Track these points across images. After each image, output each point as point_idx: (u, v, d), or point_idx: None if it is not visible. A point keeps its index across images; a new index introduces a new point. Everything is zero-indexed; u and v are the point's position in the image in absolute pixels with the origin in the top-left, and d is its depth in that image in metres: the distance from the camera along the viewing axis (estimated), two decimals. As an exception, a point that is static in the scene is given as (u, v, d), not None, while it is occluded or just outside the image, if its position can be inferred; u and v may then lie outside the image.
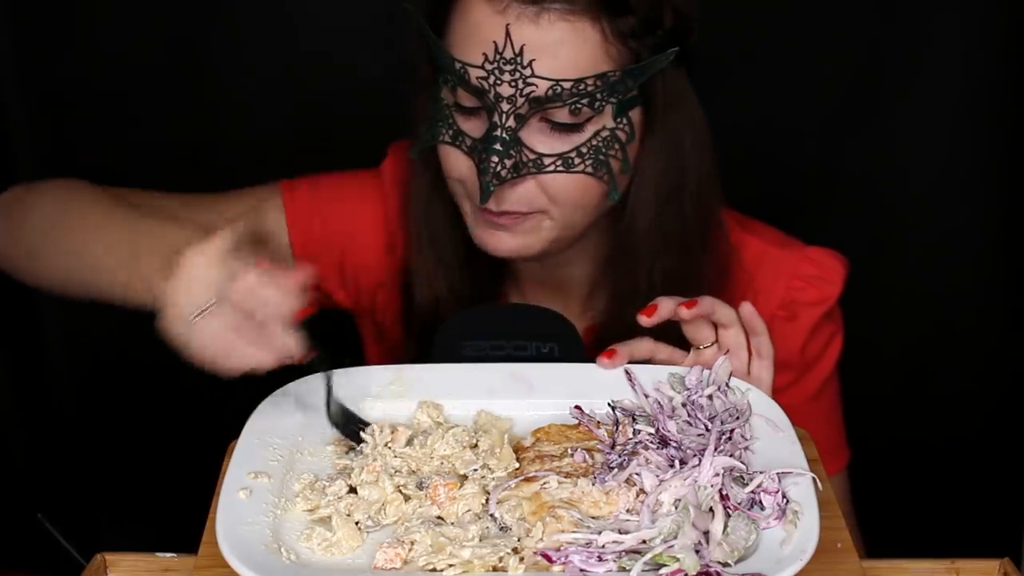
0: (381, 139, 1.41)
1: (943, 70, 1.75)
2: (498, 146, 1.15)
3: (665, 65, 1.18)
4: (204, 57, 1.77)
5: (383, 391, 1.08)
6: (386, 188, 1.37)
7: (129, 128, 1.80)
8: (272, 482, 0.96)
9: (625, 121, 1.18)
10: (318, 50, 1.77)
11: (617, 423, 1.03)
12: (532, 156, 1.17)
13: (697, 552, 0.87)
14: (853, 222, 1.80)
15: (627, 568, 0.87)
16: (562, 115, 1.16)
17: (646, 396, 1.06)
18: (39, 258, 1.25)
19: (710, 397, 1.05)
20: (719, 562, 0.87)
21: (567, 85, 1.14)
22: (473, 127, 1.19)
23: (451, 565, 0.88)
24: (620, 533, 0.90)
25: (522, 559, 0.89)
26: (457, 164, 1.21)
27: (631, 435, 1.01)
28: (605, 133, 1.18)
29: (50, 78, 1.78)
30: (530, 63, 1.14)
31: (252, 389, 1.07)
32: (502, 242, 1.22)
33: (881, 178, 1.81)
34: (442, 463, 1.00)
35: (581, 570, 0.87)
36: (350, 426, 1.04)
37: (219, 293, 0.96)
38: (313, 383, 1.04)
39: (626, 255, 1.27)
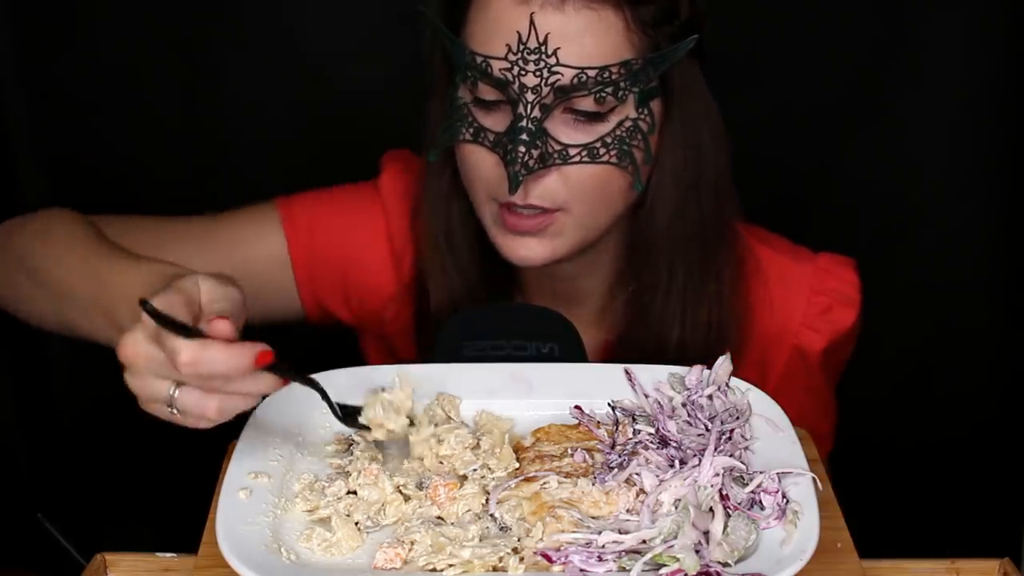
0: (386, 143, 1.41)
1: (943, 70, 1.75)
2: (525, 136, 1.16)
3: (684, 53, 1.19)
4: (205, 57, 1.77)
5: (383, 391, 1.08)
6: (386, 201, 1.36)
7: (130, 129, 1.80)
8: (272, 482, 0.96)
9: (646, 111, 1.19)
10: (322, 49, 1.77)
11: (617, 423, 1.03)
12: (558, 147, 1.17)
13: (697, 552, 0.87)
14: (853, 221, 1.81)
15: (627, 568, 0.87)
16: (587, 104, 1.16)
17: (646, 396, 1.06)
18: (22, 296, 1.24)
19: (710, 397, 1.05)
20: (719, 562, 0.87)
21: (592, 73, 1.15)
22: (495, 122, 1.19)
23: (451, 565, 0.88)
24: (620, 533, 0.90)
25: (522, 559, 0.89)
26: (480, 161, 1.20)
27: (631, 435, 1.01)
28: (628, 123, 1.18)
29: (50, 78, 1.78)
30: (555, 51, 1.14)
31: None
32: (528, 250, 1.21)
33: (881, 178, 1.81)
34: (442, 463, 1.00)
35: (581, 570, 0.87)
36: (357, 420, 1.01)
37: (169, 374, 0.91)
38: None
39: (646, 247, 1.27)
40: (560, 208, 1.20)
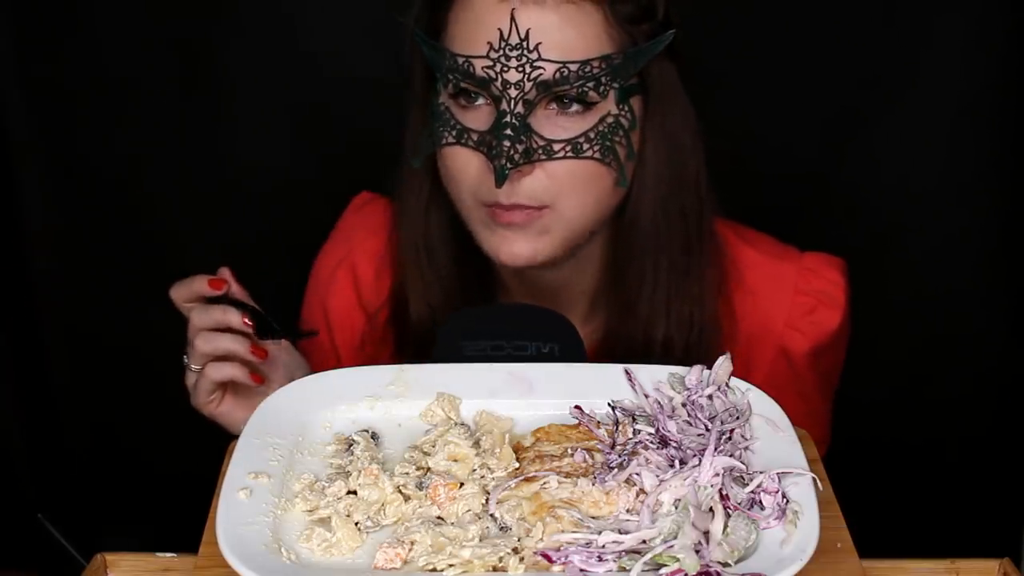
0: (387, 141, 1.41)
1: (942, 73, 1.75)
2: (509, 131, 1.16)
3: (663, 49, 1.20)
4: (206, 57, 1.77)
5: (383, 391, 1.08)
6: (350, 233, 1.41)
7: (130, 129, 1.80)
8: (272, 482, 0.96)
9: (627, 108, 1.20)
10: (324, 48, 1.77)
11: (617, 423, 1.03)
12: (542, 143, 1.18)
13: (697, 552, 0.87)
14: (852, 225, 1.81)
15: (627, 568, 0.87)
16: (569, 99, 1.18)
17: (646, 396, 1.06)
18: None
19: (710, 397, 1.05)
20: (719, 562, 0.87)
21: (574, 67, 1.16)
22: (478, 122, 1.20)
23: (451, 565, 0.88)
24: (620, 533, 0.90)
25: (522, 559, 0.89)
26: (465, 162, 1.21)
27: (631, 435, 1.01)
28: (610, 119, 1.19)
29: (50, 78, 1.78)
30: (536, 46, 1.15)
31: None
32: (516, 248, 1.22)
33: (881, 181, 1.81)
34: (456, 461, 1.00)
35: (581, 570, 0.87)
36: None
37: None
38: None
39: (630, 250, 1.27)
40: (546, 206, 1.20)
